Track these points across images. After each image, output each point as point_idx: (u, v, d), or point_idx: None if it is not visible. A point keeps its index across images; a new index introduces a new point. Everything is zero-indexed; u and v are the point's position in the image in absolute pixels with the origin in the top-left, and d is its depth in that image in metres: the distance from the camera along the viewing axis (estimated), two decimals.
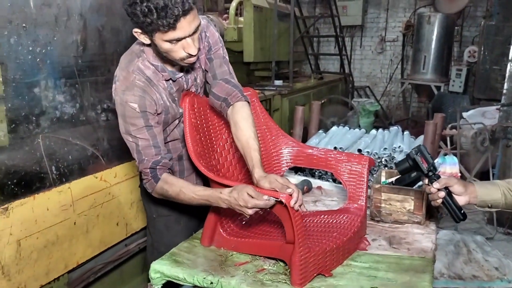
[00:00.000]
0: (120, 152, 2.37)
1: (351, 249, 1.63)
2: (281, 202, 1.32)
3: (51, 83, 1.95)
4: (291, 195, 1.34)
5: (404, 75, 8.50)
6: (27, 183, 1.87)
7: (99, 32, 2.19)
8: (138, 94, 1.53)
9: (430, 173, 1.52)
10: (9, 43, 1.75)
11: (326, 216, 1.79)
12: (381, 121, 7.46)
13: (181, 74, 1.65)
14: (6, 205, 1.75)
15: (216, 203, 1.48)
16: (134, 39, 1.57)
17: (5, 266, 1.77)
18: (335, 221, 1.73)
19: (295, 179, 2.39)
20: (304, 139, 3.40)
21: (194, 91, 1.74)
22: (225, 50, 1.73)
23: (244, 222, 1.74)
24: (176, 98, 1.66)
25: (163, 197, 1.62)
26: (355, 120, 5.77)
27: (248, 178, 1.79)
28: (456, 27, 7.73)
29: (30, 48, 1.84)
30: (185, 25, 1.38)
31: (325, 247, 1.49)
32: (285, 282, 1.44)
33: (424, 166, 1.52)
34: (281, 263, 1.56)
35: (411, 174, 2.12)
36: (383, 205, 2.01)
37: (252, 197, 1.35)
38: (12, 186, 1.82)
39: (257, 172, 1.50)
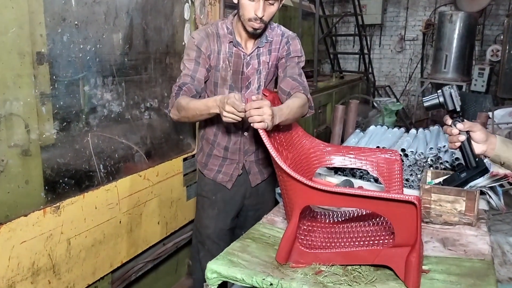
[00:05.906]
0: (162, 151, 2.36)
1: None
2: (411, 203, 1.26)
3: (99, 81, 1.94)
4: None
5: (424, 74, 8.41)
6: (77, 181, 1.87)
7: (144, 30, 2.17)
8: (201, 35, 1.83)
9: (455, 115, 1.52)
10: (62, 41, 1.74)
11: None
12: (402, 120, 7.37)
13: (242, 46, 1.85)
14: (58, 204, 1.73)
15: (213, 108, 1.64)
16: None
17: (56, 265, 1.77)
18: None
19: (336, 179, 2.35)
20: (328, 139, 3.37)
21: (252, 79, 1.90)
22: (303, 63, 1.95)
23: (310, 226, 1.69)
24: (231, 64, 1.86)
25: (176, 111, 1.78)
26: (379, 120, 5.70)
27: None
28: (477, 26, 7.63)
29: (81, 46, 1.83)
30: None
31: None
32: (348, 284, 1.41)
33: (451, 104, 1.53)
34: (339, 265, 1.53)
35: (461, 173, 2.08)
36: (432, 206, 1.97)
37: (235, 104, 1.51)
38: (63, 185, 1.82)
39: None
